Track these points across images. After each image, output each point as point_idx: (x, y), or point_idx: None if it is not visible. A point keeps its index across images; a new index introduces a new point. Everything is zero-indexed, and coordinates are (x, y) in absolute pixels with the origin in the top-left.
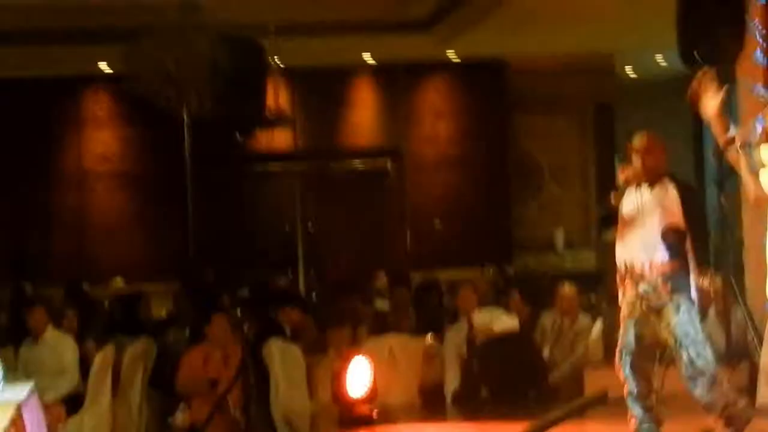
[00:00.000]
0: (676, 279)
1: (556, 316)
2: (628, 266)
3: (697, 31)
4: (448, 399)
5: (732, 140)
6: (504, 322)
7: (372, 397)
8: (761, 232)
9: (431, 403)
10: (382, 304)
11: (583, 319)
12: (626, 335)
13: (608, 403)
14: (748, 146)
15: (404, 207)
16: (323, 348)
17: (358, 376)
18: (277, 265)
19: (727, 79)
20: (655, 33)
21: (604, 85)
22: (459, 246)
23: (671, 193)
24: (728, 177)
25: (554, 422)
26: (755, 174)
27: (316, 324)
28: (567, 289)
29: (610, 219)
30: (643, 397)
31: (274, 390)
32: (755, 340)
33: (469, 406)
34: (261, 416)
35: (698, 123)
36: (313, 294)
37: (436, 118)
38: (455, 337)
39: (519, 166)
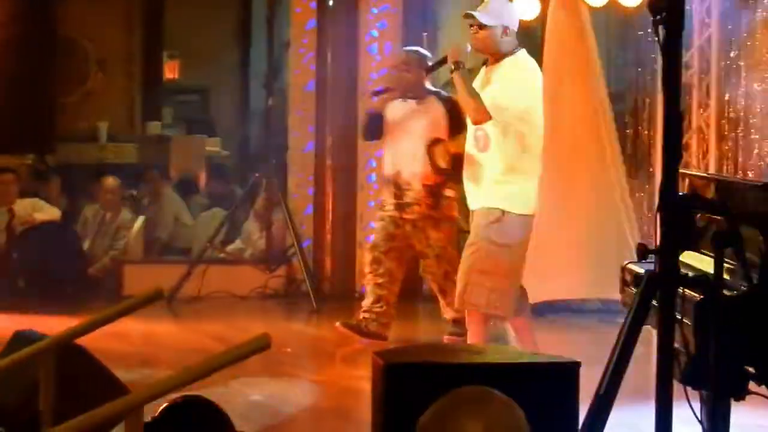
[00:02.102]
0: (438, 191)
1: (98, 208)
2: (393, 174)
3: None
4: None
5: (444, 61)
6: (46, 211)
7: None
8: (306, 137)
9: None
10: None
11: (126, 213)
12: (378, 235)
13: (164, 299)
14: (462, 67)
15: None
16: None
17: None
18: None
19: None
20: None
21: None
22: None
23: (438, 108)
24: (275, 79)
25: (108, 319)
26: (475, 96)
27: None
28: (110, 182)
29: (156, 113)
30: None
31: None
32: (295, 243)
33: (6, 297)
34: None
35: (247, 20)
36: None
37: None
38: None
39: (65, 54)
